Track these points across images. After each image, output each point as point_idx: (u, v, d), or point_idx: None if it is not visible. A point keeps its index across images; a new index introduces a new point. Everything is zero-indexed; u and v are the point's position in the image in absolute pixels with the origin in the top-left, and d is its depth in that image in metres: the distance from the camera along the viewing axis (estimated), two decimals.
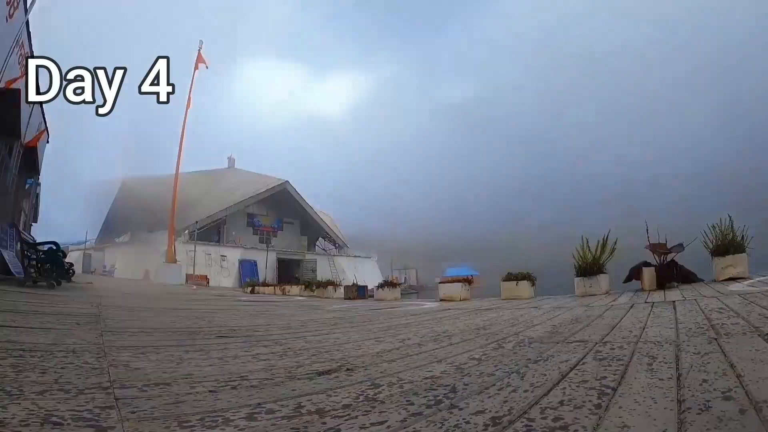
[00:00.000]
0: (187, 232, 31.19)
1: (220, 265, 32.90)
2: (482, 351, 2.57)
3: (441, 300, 9.79)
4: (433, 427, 1.27)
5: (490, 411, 1.38)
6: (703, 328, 2.68)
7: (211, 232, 36.22)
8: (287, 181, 41.47)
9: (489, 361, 2.21)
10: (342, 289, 14.09)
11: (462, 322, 4.60)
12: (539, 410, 1.36)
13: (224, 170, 45.96)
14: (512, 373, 1.91)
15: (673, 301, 4.61)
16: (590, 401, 1.40)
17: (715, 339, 2.22)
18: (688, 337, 2.37)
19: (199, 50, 29.67)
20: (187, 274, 25.26)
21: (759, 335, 2.18)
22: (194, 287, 18.72)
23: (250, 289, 18.70)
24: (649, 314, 3.76)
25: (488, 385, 1.72)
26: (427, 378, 1.89)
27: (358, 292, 12.99)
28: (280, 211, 43.37)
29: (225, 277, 31.98)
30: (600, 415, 1.27)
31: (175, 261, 24.22)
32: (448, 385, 1.74)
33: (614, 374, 1.72)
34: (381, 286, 11.89)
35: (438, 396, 1.59)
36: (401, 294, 12.65)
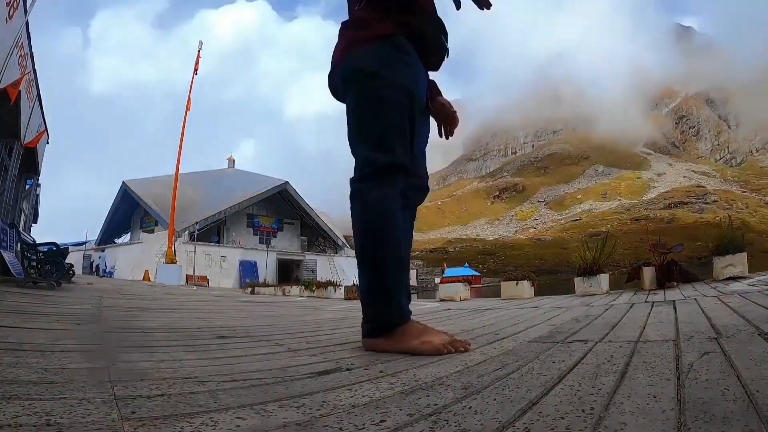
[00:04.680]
0: (187, 232, 31.14)
1: (220, 266, 32.86)
2: (481, 351, 2.58)
3: (441, 300, 9.81)
4: (434, 427, 1.27)
5: (490, 412, 1.38)
6: (703, 327, 2.68)
7: (211, 232, 36.22)
8: (287, 182, 41.50)
9: (489, 362, 2.21)
10: (342, 290, 14.10)
11: (463, 321, 4.61)
12: (539, 410, 1.36)
13: (224, 171, 46.03)
14: (512, 372, 1.92)
15: (673, 301, 4.61)
16: (590, 401, 1.40)
17: (716, 339, 2.22)
18: (689, 337, 2.37)
19: (198, 51, 29.56)
20: (187, 275, 25.20)
21: (760, 335, 2.18)
22: (194, 288, 18.68)
23: (250, 289, 18.69)
24: (649, 314, 3.76)
25: (487, 385, 1.72)
26: (427, 378, 1.89)
27: (358, 292, 12.97)
28: (280, 211, 43.40)
29: (225, 278, 31.94)
30: (600, 414, 1.27)
31: (175, 261, 24.12)
32: (448, 386, 1.74)
33: (614, 374, 1.72)
34: None
35: (438, 396, 1.59)
36: None
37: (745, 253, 7.37)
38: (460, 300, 9.74)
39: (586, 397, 1.43)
